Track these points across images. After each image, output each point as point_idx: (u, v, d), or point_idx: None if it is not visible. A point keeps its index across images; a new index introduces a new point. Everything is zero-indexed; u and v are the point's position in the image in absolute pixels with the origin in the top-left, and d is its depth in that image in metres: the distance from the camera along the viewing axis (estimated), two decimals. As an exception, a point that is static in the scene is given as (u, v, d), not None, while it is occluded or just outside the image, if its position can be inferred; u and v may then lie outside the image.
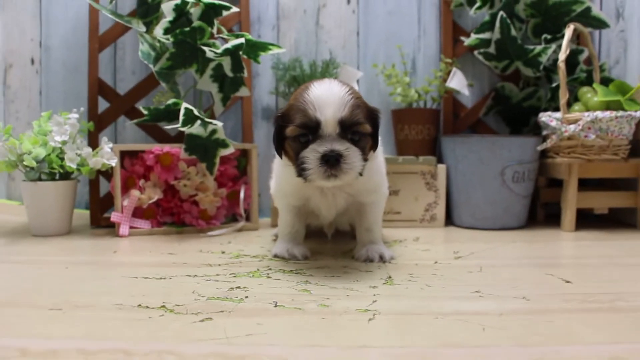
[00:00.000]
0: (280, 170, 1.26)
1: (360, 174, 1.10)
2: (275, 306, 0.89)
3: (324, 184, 1.11)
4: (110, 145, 1.59)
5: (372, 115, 1.13)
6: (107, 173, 1.73)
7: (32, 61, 2.04)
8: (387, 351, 0.70)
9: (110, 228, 1.72)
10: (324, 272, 1.14)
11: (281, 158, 1.18)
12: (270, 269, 1.17)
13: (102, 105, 1.84)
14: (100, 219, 1.78)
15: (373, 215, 1.28)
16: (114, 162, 1.58)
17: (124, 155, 1.67)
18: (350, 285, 1.03)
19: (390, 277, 1.10)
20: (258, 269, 1.16)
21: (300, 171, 1.08)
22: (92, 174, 1.62)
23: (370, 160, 1.17)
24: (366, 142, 1.12)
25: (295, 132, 1.08)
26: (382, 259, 1.24)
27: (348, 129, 1.06)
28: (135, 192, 1.61)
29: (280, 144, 1.16)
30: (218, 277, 1.09)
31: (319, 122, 1.05)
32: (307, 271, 1.15)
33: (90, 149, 1.58)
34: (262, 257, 1.30)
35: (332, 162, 1.04)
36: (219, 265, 1.21)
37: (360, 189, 1.22)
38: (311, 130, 1.06)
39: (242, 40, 1.57)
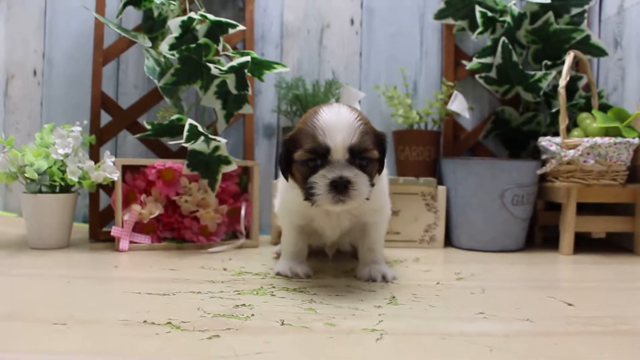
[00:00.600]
0: (285, 191, 1.27)
1: (367, 199, 1.11)
2: (282, 324, 0.89)
3: (332, 209, 1.13)
4: (113, 159, 1.59)
5: (379, 141, 1.14)
6: (107, 187, 1.72)
7: (35, 72, 2.05)
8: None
9: (109, 242, 1.71)
10: (328, 291, 1.14)
11: (287, 181, 1.18)
12: (274, 287, 1.16)
13: (104, 118, 1.85)
14: (99, 232, 1.77)
15: (376, 235, 1.28)
16: (116, 176, 1.58)
17: (125, 169, 1.66)
18: (355, 304, 1.03)
19: (394, 297, 1.10)
20: (262, 287, 1.16)
21: (309, 195, 1.08)
22: (93, 187, 1.62)
23: (376, 183, 1.18)
24: (374, 168, 1.13)
25: (303, 157, 1.09)
26: (384, 278, 1.24)
27: (357, 155, 1.07)
28: (136, 207, 1.61)
29: (288, 167, 1.16)
30: (222, 294, 1.08)
31: (329, 148, 1.05)
32: (311, 290, 1.15)
33: (92, 163, 1.58)
34: (265, 274, 1.30)
35: (340, 189, 1.05)
36: (222, 282, 1.21)
37: (365, 210, 1.23)
38: (320, 155, 1.07)
39: (248, 58, 1.58)
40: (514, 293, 1.19)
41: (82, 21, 2.01)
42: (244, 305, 1.00)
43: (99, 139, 1.81)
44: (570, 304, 1.08)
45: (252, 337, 0.82)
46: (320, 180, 1.06)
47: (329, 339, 0.82)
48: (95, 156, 1.78)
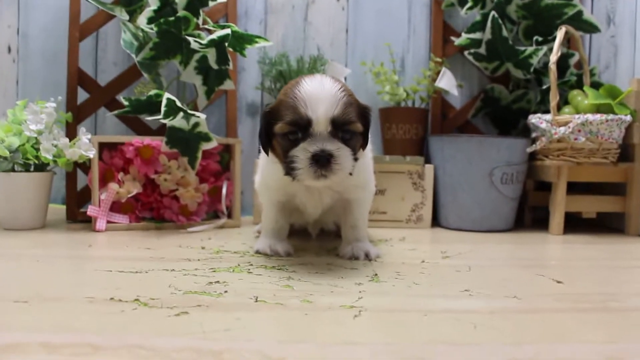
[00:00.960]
0: (265, 166, 1.21)
1: (350, 174, 1.06)
2: (256, 301, 0.84)
3: (313, 184, 1.08)
4: (89, 136, 1.53)
5: (363, 113, 1.09)
6: (85, 166, 1.66)
7: (9, 49, 1.97)
8: (373, 348, 0.66)
9: (87, 223, 1.66)
10: (308, 268, 1.10)
11: (267, 155, 1.13)
12: (251, 265, 1.12)
13: (82, 96, 1.78)
14: (77, 213, 1.72)
15: (359, 212, 1.24)
16: (92, 153, 1.52)
17: (102, 147, 1.61)
18: (335, 282, 0.99)
19: (376, 274, 1.06)
20: (239, 264, 1.12)
21: (289, 170, 1.03)
22: (69, 166, 1.56)
23: (360, 158, 1.13)
24: (357, 141, 1.08)
25: (284, 130, 1.03)
26: (367, 256, 1.20)
27: (340, 127, 1.02)
28: (113, 186, 1.55)
29: (268, 141, 1.10)
30: (197, 272, 1.04)
31: (310, 120, 1.00)
32: (290, 267, 1.10)
33: (67, 140, 1.52)
34: (244, 253, 1.26)
35: (322, 162, 0.99)
36: (198, 260, 1.16)
37: (348, 186, 1.18)
38: (301, 128, 1.01)
39: (228, 31, 1.52)
40: (502, 271, 1.15)
41: (57, -3, 1.93)
42: (217, 282, 0.96)
43: (76, 117, 1.74)
44: (559, 282, 1.04)
45: (222, 314, 0.77)
46: (302, 153, 1.00)
47: (304, 315, 0.78)
48: (72, 135, 1.72)
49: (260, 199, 1.29)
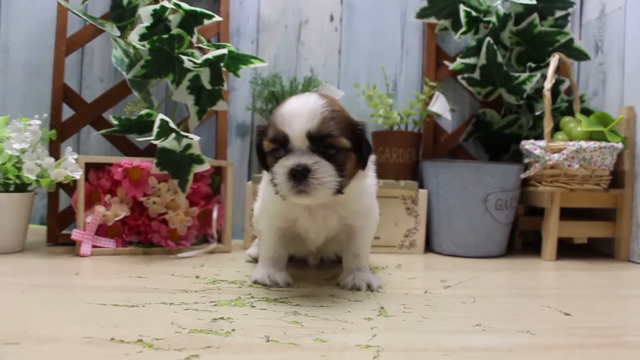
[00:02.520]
0: (266, 191, 1.18)
1: (340, 192, 1.04)
2: (268, 341, 0.80)
3: (296, 201, 1.04)
4: (75, 156, 1.47)
5: (353, 129, 1.05)
6: (68, 186, 1.60)
7: (-10, 62, 1.90)
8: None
9: (69, 246, 1.59)
10: (311, 301, 1.06)
11: (267, 172, 1.12)
12: (252, 297, 1.07)
13: (66, 112, 1.72)
14: (58, 235, 1.64)
15: (362, 241, 1.21)
16: (78, 174, 1.46)
17: (89, 167, 1.55)
18: (343, 316, 0.95)
19: (383, 307, 1.03)
20: (240, 297, 1.07)
21: (273, 186, 1.03)
22: (52, 186, 1.50)
23: (359, 181, 1.12)
24: (345, 158, 1.04)
25: (268, 147, 1.05)
26: (369, 287, 1.17)
27: (319, 142, 1.00)
28: (100, 208, 1.49)
29: (263, 159, 1.12)
30: (197, 306, 0.99)
31: (287, 136, 1.00)
32: (293, 300, 1.06)
33: (52, 159, 1.46)
34: (241, 283, 1.21)
35: (299, 177, 0.98)
36: (196, 291, 1.11)
37: (351, 211, 1.16)
38: (281, 144, 1.02)
39: (224, 51, 1.49)
40: (507, 302, 1.13)
41: (43, 7, 1.87)
42: (222, 318, 0.91)
43: (60, 135, 1.68)
44: (567, 314, 1.03)
45: (236, 357, 0.73)
46: (279, 168, 1.01)
47: (321, 357, 0.74)
48: (55, 153, 1.65)
49: (260, 227, 1.25)
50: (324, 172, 0.99)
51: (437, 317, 0.98)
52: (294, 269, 1.35)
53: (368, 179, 1.18)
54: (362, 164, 1.09)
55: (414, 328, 0.91)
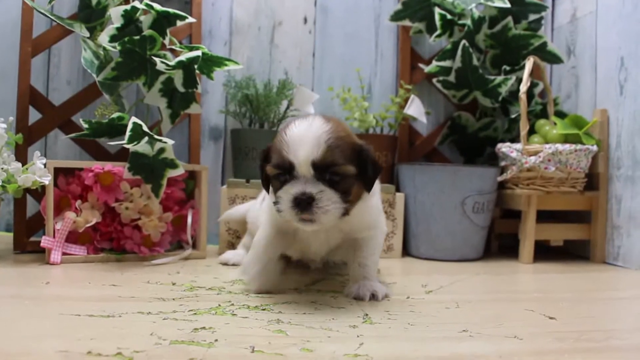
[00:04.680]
0: (268, 206, 1.18)
1: (347, 214, 1.03)
2: (253, 352, 0.77)
3: (300, 227, 1.05)
4: (44, 160, 1.41)
5: (359, 154, 1.04)
6: (36, 191, 1.53)
7: (-50, 63, 1.82)
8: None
9: (38, 254, 1.52)
10: (294, 308, 1.03)
11: (268, 192, 1.14)
12: (232, 305, 1.04)
13: (33, 116, 1.65)
14: (25, 243, 1.57)
15: (368, 250, 1.17)
16: (47, 179, 1.40)
17: (58, 172, 1.49)
18: (328, 324, 0.93)
19: (367, 314, 1.01)
20: (219, 305, 1.04)
21: (277, 209, 1.02)
22: (19, 192, 1.43)
23: (365, 201, 1.10)
24: (349, 184, 1.03)
25: (272, 172, 1.04)
26: (374, 297, 1.12)
27: (324, 170, 0.99)
28: (70, 215, 1.43)
29: (266, 180, 1.11)
30: (176, 315, 0.95)
31: (292, 164, 0.99)
32: (274, 307, 1.04)
33: (19, 165, 1.40)
34: (219, 289, 1.18)
35: (303, 205, 0.98)
36: (173, 299, 1.07)
37: (354, 227, 1.15)
38: (286, 170, 1.01)
39: (198, 52, 1.45)
40: (490, 306, 1.12)
41: (6, 9, 1.80)
42: (204, 328, 0.88)
43: (26, 139, 1.61)
44: (551, 317, 1.02)
45: (221, 369, 0.70)
46: (284, 195, 1.00)
47: (309, 368, 0.72)
48: (22, 157, 1.58)
49: (260, 219, 1.23)
50: (329, 199, 0.99)
51: (423, 324, 0.96)
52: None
53: (374, 197, 1.16)
54: (368, 187, 1.08)
55: (400, 335, 0.89)
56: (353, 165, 1.02)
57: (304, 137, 0.99)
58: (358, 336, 0.87)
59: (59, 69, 1.84)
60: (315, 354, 0.77)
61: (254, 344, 0.80)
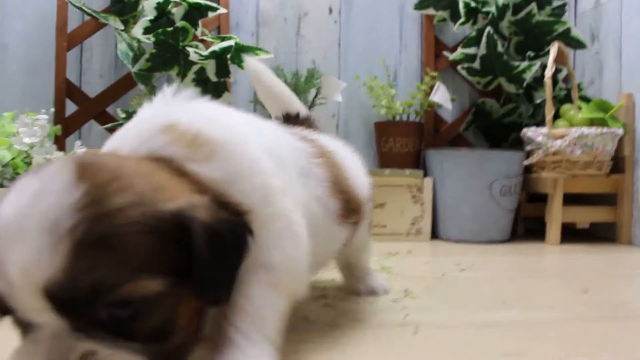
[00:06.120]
0: None
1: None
2: (307, 322, 0.81)
3: None
4: (84, 150, 1.47)
5: (181, 232, 0.46)
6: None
7: (-16, 59, 1.87)
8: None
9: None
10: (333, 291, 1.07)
11: None
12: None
13: (69, 108, 1.70)
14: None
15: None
16: (87, 168, 1.45)
17: (96, 161, 1.53)
18: (372, 299, 0.97)
19: (407, 289, 1.04)
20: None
21: None
22: (60, 181, 1.48)
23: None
24: (163, 312, 0.46)
25: None
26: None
27: (84, 304, 0.42)
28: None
29: None
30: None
31: (3, 297, 0.43)
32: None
33: (61, 154, 1.45)
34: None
35: None
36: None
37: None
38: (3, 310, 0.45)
39: (231, 42, 1.50)
40: (523, 282, 1.16)
41: (39, 6, 1.85)
42: None
43: (63, 130, 1.66)
44: (584, 291, 1.05)
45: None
46: None
47: (363, 335, 0.75)
48: (60, 148, 1.64)
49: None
50: None
51: (461, 297, 1.00)
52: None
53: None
54: (217, 293, 0.50)
55: (441, 307, 0.93)
56: (164, 268, 0.45)
57: (20, 228, 0.42)
58: (402, 308, 0.90)
59: (91, 63, 1.89)
60: (365, 323, 0.81)
61: (305, 315, 0.84)
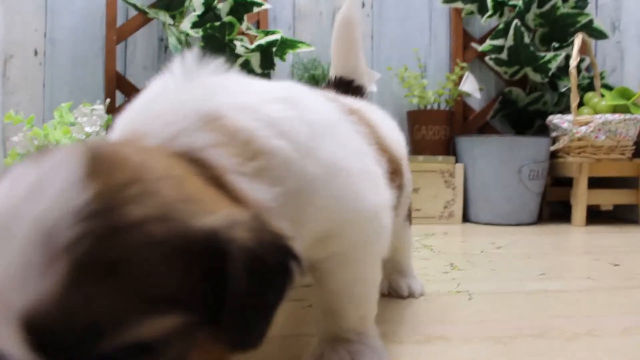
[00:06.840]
0: None
1: None
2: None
3: None
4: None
5: (212, 260, 0.33)
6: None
7: (36, 52, 1.98)
8: (509, 324, 0.74)
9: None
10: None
11: None
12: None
13: (118, 99, 1.81)
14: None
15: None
16: (144, 155, 1.56)
17: (150, 149, 1.64)
18: (422, 271, 1.07)
19: (452, 263, 1.14)
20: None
21: None
22: (117, 167, 1.59)
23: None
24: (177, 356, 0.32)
25: None
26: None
27: (76, 348, 0.29)
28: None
29: None
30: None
31: None
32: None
33: (120, 142, 1.55)
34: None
35: None
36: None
37: None
38: None
39: (277, 36, 1.59)
40: (557, 258, 1.25)
41: (86, 2, 1.95)
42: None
43: (114, 120, 1.77)
44: (616, 265, 1.15)
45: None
46: None
47: (423, 301, 0.85)
48: (113, 137, 1.75)
49: None
50: None
51: (504, 269, 1.10)
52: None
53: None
54: (256, 336, 0.36)
55: (488, 277, 1.02)
56: (185, 303, 0.32)
57: (3, 230, 0.30)
58: (452, 279, 1.00)
59: (135, 56, 1.99)
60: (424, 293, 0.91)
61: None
